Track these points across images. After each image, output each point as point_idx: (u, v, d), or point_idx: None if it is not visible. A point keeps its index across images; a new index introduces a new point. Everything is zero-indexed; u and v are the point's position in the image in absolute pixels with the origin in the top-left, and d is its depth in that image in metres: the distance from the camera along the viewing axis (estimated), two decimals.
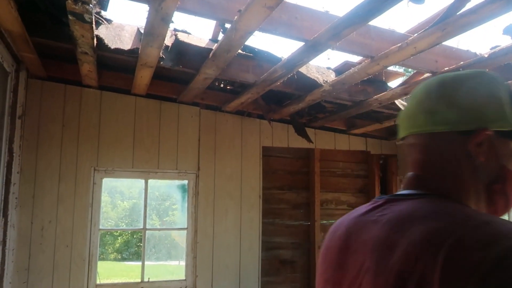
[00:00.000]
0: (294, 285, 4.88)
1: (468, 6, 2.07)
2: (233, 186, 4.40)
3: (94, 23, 2.39)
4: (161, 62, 3.00)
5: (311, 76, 3.30)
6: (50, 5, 2.62)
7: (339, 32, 2.26)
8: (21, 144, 3.56)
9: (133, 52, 2.90)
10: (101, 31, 2.78)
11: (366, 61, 2.82)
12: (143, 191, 4.21)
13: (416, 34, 2.40)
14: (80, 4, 2.09)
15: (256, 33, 2.36)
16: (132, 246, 21.04)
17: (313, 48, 2.51)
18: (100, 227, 3.90)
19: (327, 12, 2.49)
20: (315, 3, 3.41)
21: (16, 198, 3.44)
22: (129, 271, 14.94)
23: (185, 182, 4.31)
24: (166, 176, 4.19)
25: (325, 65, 3.49)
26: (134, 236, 20.07)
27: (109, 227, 23.02)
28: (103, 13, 2.76)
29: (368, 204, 0.88)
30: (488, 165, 0.79)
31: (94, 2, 2.25)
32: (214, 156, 4.34)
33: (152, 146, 4.10)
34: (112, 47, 2.81)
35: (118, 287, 4.42)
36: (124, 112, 4.02)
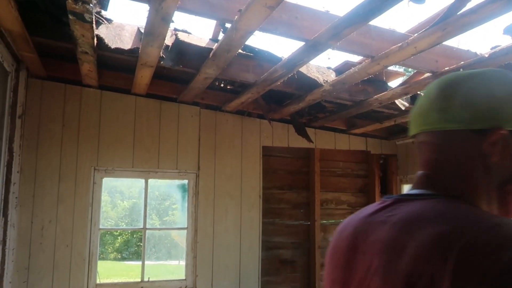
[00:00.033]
0: (294, 285, 4.88)
1: (469, 6, 2.07)
2: (233, 186, 4.40)
3: (94, 22, 2.39)
4: (161, 62, 3.00)
5: (311, 76, 3.30)
6: (50, 4, 2.62)
7: (339, 32, 2.26)
8: (21, 144, 3.56)
9: (133, 52, 2.89)
10: (102, 31, 2.78)
11: (366, 61, 2.82)
12: (143, 190, 4.21)
13: (416, 34, 2.39)
14: (80, 3, 2.09)
15: (257, 32, 2.36)
16: (132, 246, 21.05)
17: (313, 47, 2.51)
18: (100, 226, 3.90)
19: (327, 11, 2.49)
20: (316, 2, 3.40)
21: (16, 197, 3.44)
22: (129, 270, 14.94)
23: (185, 181, 4.31)
24: (166, 175, 4.19)
25: (325, 65, 3.49)
26: (134, 236, 20.07)
27: (109, 227, 23.04)
28: (103, 12, 2.76)
29: (376, 203, 0.86)
30: (501, 165, 0.77)
31: (95, 1, 2.25)
32: (214, 156, 4.34)
33: (152, 145, 4.10)
34: (113, 47, 2.81)
35: (118, 287, 4.42)
36: (124, 112, 4.02)
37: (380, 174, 5.28)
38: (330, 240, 0.93)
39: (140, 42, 2.76)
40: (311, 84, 3.37)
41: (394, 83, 3.88)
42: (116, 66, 3.63)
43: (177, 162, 4.18)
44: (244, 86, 3.62)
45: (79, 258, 3.74)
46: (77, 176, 3.80)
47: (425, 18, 2.72)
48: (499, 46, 2.57)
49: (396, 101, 3.72)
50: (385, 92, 3.48)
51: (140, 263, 4.27)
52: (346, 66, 3.28)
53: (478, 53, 2.84)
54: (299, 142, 4.70)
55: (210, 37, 3.08)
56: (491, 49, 2.64)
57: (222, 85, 3.86)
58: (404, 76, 4.01)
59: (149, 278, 4.06)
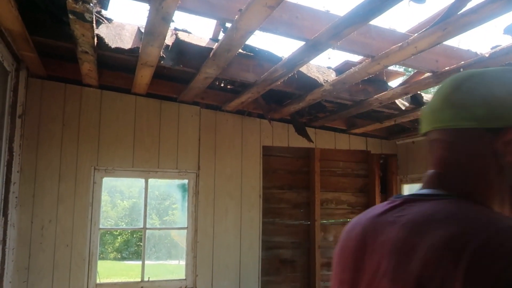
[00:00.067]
0: (294, 284, 4.88)
1: (469, 5, 2.07)
2: (233, 186, 4.40)
3: (94, 22, 2.39)
4: (162, 62, 3.00)
5: (311, 76, 3.30)
6: (50, 4, 2.62)
7: (339, 32, 2.26)
8: (21, 143, 3.55)
9: (133, 52, 2.89)
10: (102, 30, 2.78)
11: (366, 60, 2.82)
12: (143, 190, 4.21)
13: (416, 34, 2.39)
14: (80, 3, 2.09)
15: (257, 32, 2.36)
16: (132, 246, 21.05)
17: (313, 47, 2.51)
18: (100, 226, 3.90)
19: (327, 11, 2.49)
20: (316, 2, 3.40)
21: (16, 197, 3.44)
22: (128, 270, 14.94)
23: (185, 181, 4.30)
24: (166, 175, 4.19)
25: (325, 65, 3.49)
26: (134, 236, 20.07)
27: (109, 227, 23.03)
28: (103, 12, 2.76)
29: (384, 203, 0.85)
30: None
31: (95, 1, 2.25)
32: (214, 156, 4.34)
33: (152, 145, 4.10)
34: (113, 46, 2.81)
35: (118, 287, 4.42)
36: (124, 112, 4.02)
37: (380, 174, 5.28)
38: (338, 240, 0.92)
39: (140, 41, 2.76)
40: (311, 84, 3.37)
41: (394, 83, 3.89)
42: (116, 66, 3.63)
43: (177, 161, 4.18)
44: (244, 86, 3.62)
45: (79, 258, 3.73)
46: (77, 176, 3.80)
47: (425, 18, 2.72)
48: (500, 46, 2.57)
49: (396, 101, 3.72)
50: (385, 92, 3.48)
51: (140, 263, 4.27)
52: (347, 65, 3.28)
53: (478, 53, 2.84)
54: (299, 142, 4.70)
55: (210, 36, 3.08)
56: (492, 49, 2.64)
57: (222, 85, 3.86)
58: (404, 76, 4.01)
59: (149, 278, 4.06)
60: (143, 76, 3.35)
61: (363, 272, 0.79)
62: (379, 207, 0.85)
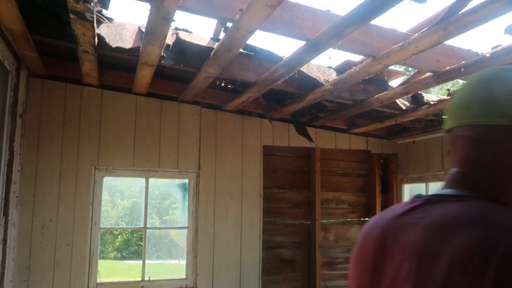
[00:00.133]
0: (294, 284, 4.88)
1: (470, 5, 2.07)
2: (234, 185, 4.40)
3: (95, 21, 2.39)
4: (162, 61, 3.00)
5: (312, 75, 3.30)
6: (51, 3, 2.62)
7: (340, 31, 2.26)
8: (22, 143, 3.56)
9: (134, 51, 2.89)
10: (102, 30, 2.78)
11: (367, 60, 2.82)
12: (144, 190, 4.21)
13: (417, 34, 2.39)
14: (81, 2, 2.09)
15: (258, 32, 2.36)
16: (132, 245, 21.05)
17: (314, 47, 2.51)
18: (101, 225, 3.90)
19: (328, 11, 2.49)
20: (317, 2, 3.40)
21: (16, 196, 3.44)
22: (128, 269, 14.95)
23: (186, 181, 4.31)
24: (166, 175, 4.19)
25: (326, 64, 3.49)
26: (134, 235, 20.08)
27: (109, 226, 23.03)
28: (104, 11, 2.76)
29: (404, 203, 0.81)
30: None
31: (96, 0, 2.25)
32: (214, 155, 4.34)
33: (153, 145, 4.10)
34: (113, 46, 2.81)
35: (119, 286, 4.42)
36: (125, 111, 4.02)
37: (380, 173, 5.28)
38: (356, 240, 0.89)
39: (141, 41, 2.76)
40: (312, 84, 3.37)
41: (395, 83, 3.89)
42: (117, 65, 3.63)
43: (178, 161, 4.18)
44: (245, 85, 3.62)
45: (80, 257, 3.74)
46: (78, 175, 3.80)
47: (426, 17, 2.72)
48: (500, 45, 2.57)
49: (397, 101, 3.72)
50: (386, 92, 3.48)
51: (140, 262, 4.28)
52: (347, 65, 3.28)
53: (479, 52, 2.84)
54: (300, 142, 4.70)
55: (211, 36, 3.08)
56: (493, 48, 2.63)
57: (222, 84, 3.86)
58: (405, 76, 4.00)
59: (149, 277, 4.06)
60: (144, 76, 3.35)
61: (383, 275, 0.76)
62: (399, 207, 0.82)
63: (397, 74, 3.75)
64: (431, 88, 3.82)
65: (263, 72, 3.20)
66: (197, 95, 3.96)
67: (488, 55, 2.60)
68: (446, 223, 0.68)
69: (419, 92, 3.63)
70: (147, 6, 2.17)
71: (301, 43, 2.57)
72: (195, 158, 4.26)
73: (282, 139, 4.70)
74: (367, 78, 3.10)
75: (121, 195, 23.08)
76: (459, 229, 0.65)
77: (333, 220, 5.16)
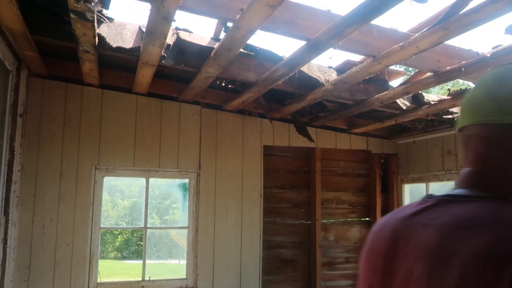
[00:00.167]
0: (294, 284, 4.88)
1: (471, 5, 2.07)
2: (234, 185, 4.40)
3: (95, 21, 2.39)
4: (163, 61, 3.00)
5: (312, 75, 3.30)
6: (51, 3, 2.62)
7: (341, 31, 2.26)
8: (22, 143, 3.56)
9: (134, 51, 2.89)
10: (103, 30, 2.78)
11: (368, 60, 2.82)
12: (144, 189, 4.21)
13: (418, 33, 2.39)
14: (82, 2, 2.09)
15: (258, 31, 2.36)
16: (132, 245, 21.06)
17: (314, 47, 2.51)
18: (101, 225, 3.90)
19: (329, 11, 2.49)
20: (317, 2, 3.40)
21: (17, 196, 3.44)
22: (129, 269, 14.95)
23: (186, 181, 4.31)
24: (167, 175, 4.19)
25: (326, 64, 3.49)
26: (134, 235, 20.09)
27: (110, 226, 23.03)
28: (104, 11, 2.76)
29: (415, 203, 0.80)
30: None
31: (96, 0, 2.25)
32: (215, 155, 4.34)
33: (153, 144, 4.10)
34: (114, 46, 2.81)
35: (119, 286, 4.42)
36: (125, 111, 4.02)
37: (381, 173, 5.28)
38: (365, 241, 0.87)
39: (142, 41, 2.76)
40: (313, 83, 3.37)
41: (395, 83, 3.89)
42: (117, 65, 3.63)
43: (178, 161, 4.18)
44: (245, 85, 3.62)
45: (80, 257, 3.74)
46: (78, 175, 3.80)
47: (427, 17, 2.71)
48: (501, 45, 2.56)
49: (397, 101, 3.72)
50: (386, 92, 3.48)
51: (140, 262, 4.28)
52: (348, 65, 3.28)
53: (480, 52, 2.84)
54: (300, 141, 4.70)
55: (212, 36, 3.08)
56: (493, 48, 2.63)
57: (223, 84, 3.86)
58: (405, 76, 4.00)
59: (150, 277, 4.06)
60: (144, 76, 3.35)
61: (394, 276, 0.74)
62: (410, 207, 0.80)
63: (397, 74, 3.74)
64: (432, 88, 3.82)
65: (263, 72, 3.20)
66: (197, 95, 3.96)
67: (488, 55, 2.60)
68: (459, 224, 0.67)
69: (420, 92, 3.63)
70: (147, 6, 2.17)
71: (302, 43, 2.57)
72: (196, 158, 4.26)
73: (282, 139, 4.70)
74: (367, 78, 3.10)
75: (121, 195, 23.09)
76: (473, 231, 0.64)
77: (333, 220, 5.16)
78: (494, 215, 0.66)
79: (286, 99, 4.04)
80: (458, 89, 3.50)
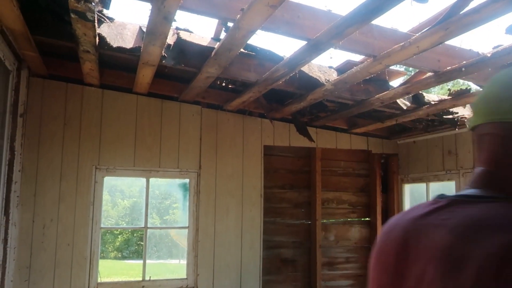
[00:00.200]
0: (295, 284, 4.88)
1: (471, 5, 2.07)
2: (235, 185, 4.40)
3: (96, 21, 2.39)
4: (163, 61, 3.00)
5: (313, 75, 3.30)
6: (52, 3, 2.62)
7: (341, 31, 2.26)
8: (23, 143, 3.56)
9: (135, 51, 2.89)
10: (103, 30, 2.78)
11: (368, 60, 2.81)
12: (144, 189, 4.21)
13: (419, 33, 2.39)
14: (82, 2, 2.09)
15: (258, 31, 2.36)
16: (132, 245, 21.05)
17: (315, 47, 2.51)
18: (101, 225, 3.90)
19: (329, 11, 2.49)
20: (318, 2, 3.40)
21: (17, 196, 3.44)
22: (129, 269, 14.95)
23: (187, 180, 4.31)
24: (167, 174, 4.19)
25: (327, 64, 3.49)
26: (135, 235, 20.08)
27: (110, 226, 23.03)
28: (105, 11, 2.76)
29: (427, 204, 0.78)
30: None
31: (97, 0, 2.25)
32: (215, 155, 4.34)
33: (154, 144, 4.10)
34: (114, 46, 2.81)
35: (120, 286, 4.42)
36: (125, 111, 4.02)
37: (381, 173, 5.28)
38: (375, 241, 0.86)
39: (142, 41, 2.76)
40: (313, 83, 3.37)
41: (395, 83, 3.89)
42: (118, 65, 3.63)
43: (179, 161, 4.19)
44: (246, 85, 3.62)
45: (80, 257, 3.74)
46: (79, 175, 3.80)
47: (427, 17, 2.71)
48: (502, 45, 2.56)
49: (398, 101, 3.72)
50: (387, 92, 3.48)
51: (140, 262, 4.28)
52: (348, 65, 3.28)
53: (480, 52, 2.84)
54: (301, 141, 4.70)
55: (212, 36, 3.08)
56: (494, 48, 2.63)
57: (223, 84, 3.86)
58: (406, 76, 4.00)
59: (150, 277, 4.06)
60: (145, 76, 3.35)
61: (406, 278, 0.73)
62: (421, 207, 0.78)
63: (398, 74, 3.74)
64: (432, 88, 3.81)
65: (264, 72, 3.20)
66: (198, 95, 3.96)
67: (489, 55, 2.60)
68: (474, 226, 0.65)
69: (420, 92, 3.63)
70: (148, 6, 2.17)
71: (302, 43, 2.57)
72: (196, 158, 4.26)
73: (282, 139, 4.70)
74: (368, 78, 3.10)
75: (122, 195, 23.08)
76: (488, 232, 0.62)
77: (334, 220, 5.16)
78: (508, 216, 0.64)
79: (287, 99, 4.04)
80: (459, 89, 3.50)
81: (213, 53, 2.84)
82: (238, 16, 2.19)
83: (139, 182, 4.16)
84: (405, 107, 3.81)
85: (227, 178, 4.38)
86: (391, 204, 5.20)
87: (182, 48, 3.04)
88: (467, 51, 2.90)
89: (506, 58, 2.55)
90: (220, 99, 4.20)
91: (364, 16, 2.09)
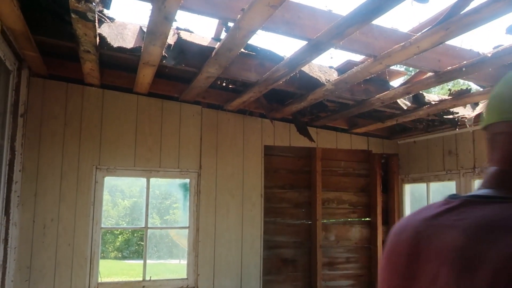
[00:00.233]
0: (295, 284, 4.88)
1: (472, 5, 2.07)
2: (235, 185, 4.40)
3: (96, 21, 2.39)
4: (164, 61, 3.00)
5: (313, 75, 3.30)
6: (52, 3, 2.62)
7: (342, 31, 2.26)
8: (23, 142, 3.56)
9: (135, 51, 2.89)
10: (104, 30, 2.78)
11: (368, 60, 2.81)
12: (145, 189, 4.21)
13: (419, 33, 2.39)
14: (83, 2, 2.09)
15: (259, 31, 2.36)
16: (133, 245, 21.04)
17: (315, 47, 2.51)
18: (102, 225, 3.91)
19: (330, 11, 2.49)
20: (318, 2, 3.39)
21: (18, 196, 3.45)
22: (129, 269, 14.94)
23: (187, 180, 4.31)
24: (168, 174, 4.19)
25: (327, 64, 3.49)
26: (135, 235, 20.07)
27: (110, 226, 23.02)
28: (105, 11, 2.76)
29: (438, 204, 0.76)
30: None
31: (97, 0, 2.25)
32: (216, 155, 4.34)
33: (154, 144, 4.10)
34: (115, 46, 2.81)
35: (120, 286, 4.42)
36: (126, 111, 4.03)
37: (381, 173, 5.27)
38: (386, 242, 0.84)
39: (143, 41, 2.76)
40: (313, 83, 3.36)
41: (396, 83, 3.88)
42: (118, 65, 3.63)
43: (179, 161, 4.19)
44: (246, 85, 3.62)
45: (81, 257, 3.74)
46: (79, 175, 3.81)
47: (428, 17, 2.71)
48: (502, 45, 2.56)
49: (398, 101, 3.72)
50: (387, 92, 3.48)
51: (141, 262, 4.28)
52: (349, 65, 3.28)
53: (480, 52, 2.84)
54: (301, 141, 4.70)
55: (212, 36, 3.08)
56: (494, 48, 2.63)
57: (224, 84, 3.86)
58: (406, 76, 4.00)
59: (150, 277, 4.07)
60: (145, 76, 3.35)
61: (417, 279, 0.71)
62: (433, 208, 0.76)
63: (398, 74, 3.74)
64: (432, 88, 3.81)
65: (264, 72, 3.20)
66: (198, 95, 3.96)
67: (489, 55, 2.60)
68: (488, 227, 0.64)
69: (420, 92, 3.63)
70: (148, 6, 2.17)
71: (303, 43, 2.57)
72: (196, 158, 4.26)
73: (283, 139, 4.70)
74: (368, 78, 3.10)
75: (122, 195, 23.06)
76: (504, 233, 0.61)
77: (334, 220, 5.16)
78: None
79: (287, 99, 4.04)
80: (459, 89, 3.50)
81: (213, 53, 2.84)
82: (239, 16, 2.19)
83: (140, 182, 4.17)
84: (405, 107, 3.81)
85: (228, 178, 4.38)
86: (391, 204, 5.20)
87: (182, 48, 3.04)
88: (467, 51, 2.90)
89: (507, 58, 2.54)
90: (220, 99, 4.20)
91: (364, 16, 2.09)
